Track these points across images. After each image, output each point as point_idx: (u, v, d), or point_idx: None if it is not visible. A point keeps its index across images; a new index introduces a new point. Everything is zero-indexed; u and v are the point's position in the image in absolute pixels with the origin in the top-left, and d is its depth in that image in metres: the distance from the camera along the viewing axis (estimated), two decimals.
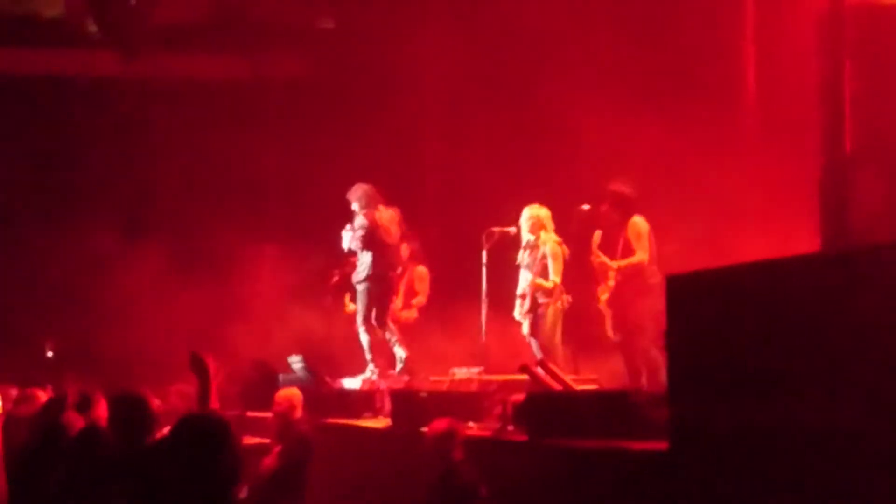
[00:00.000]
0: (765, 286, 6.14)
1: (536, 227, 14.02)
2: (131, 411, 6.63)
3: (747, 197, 13.86)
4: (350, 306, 15.94)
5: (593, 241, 13.26)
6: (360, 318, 15.17)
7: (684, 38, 14.47)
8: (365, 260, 15.04)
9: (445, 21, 19.51)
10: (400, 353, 15.02)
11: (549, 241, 13.86)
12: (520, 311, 14.07)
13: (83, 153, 21.05)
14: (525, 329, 14.04)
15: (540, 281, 13.75)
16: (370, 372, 15.08)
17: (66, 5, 23.22)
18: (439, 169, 19.64)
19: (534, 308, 13.88)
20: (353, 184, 15.37)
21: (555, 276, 13.75)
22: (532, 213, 14.07)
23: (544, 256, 13.85)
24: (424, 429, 9.81)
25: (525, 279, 14.05)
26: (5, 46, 21.96)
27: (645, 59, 15.07)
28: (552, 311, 13.79)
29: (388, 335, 15.08)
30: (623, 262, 12.98)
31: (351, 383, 15.02)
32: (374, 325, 15.10)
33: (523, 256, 14.13)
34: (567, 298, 13.80)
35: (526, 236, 14.09)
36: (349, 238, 15.10)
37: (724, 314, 6.39)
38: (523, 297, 14.04)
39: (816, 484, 5.65)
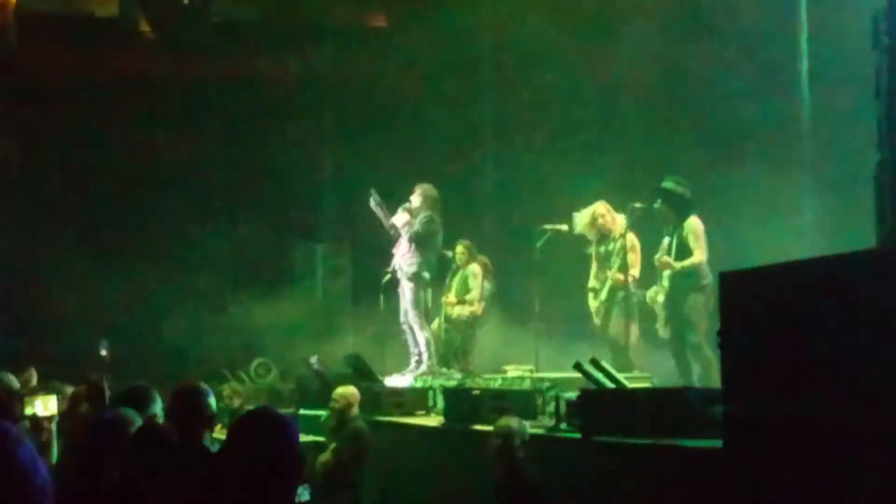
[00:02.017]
0: (820, 283, 6.11)
1: (605, 221, 14.06)
2: (191, 405, 6.67)
3: (801, 193, 13.82)
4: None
5: (663, 245, 13.19)
6: (413, 314, 15.24)
7: (738, 31, 14.41)
8: (419, 257, 15.14)
9: (496, 16, 19.53)
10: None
11: (628, 233, 13.86)
12: (594, 302, 14.11)
13: (141, 152, 21.18)
14: (598, 321, 14.08)
15: (619, 275, 13.77)
16: (426, 368, 15.14)
17: (120, 5, 23.35)
18: (493, 166, 19.65)
19: (610, 300, 13.93)
20: (407, 183, 15.44)
21: (633, 269, 13.77)
22: (604, 208, 14.10)
23: (623, 248, 13.85)
24: (482, 426, 9.82)
25: (598, 272, 14.11)
26: (59, 47, 22.10)
27: (697, 52, 15.03)
28: (629, 306, 13.80)
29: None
30: (686, 263, 12.93)
31: (399, 381, 15.07)
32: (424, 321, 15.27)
33: (597, 249, 14.17)
34: (641, 293, 13.78)
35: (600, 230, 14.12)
36: (403, 220, 15.17)
37: (778, 311, 6.36)
38: (595, 289, 14.11)
39: (873, 484, 5.62)
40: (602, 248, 14.22)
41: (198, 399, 6.68)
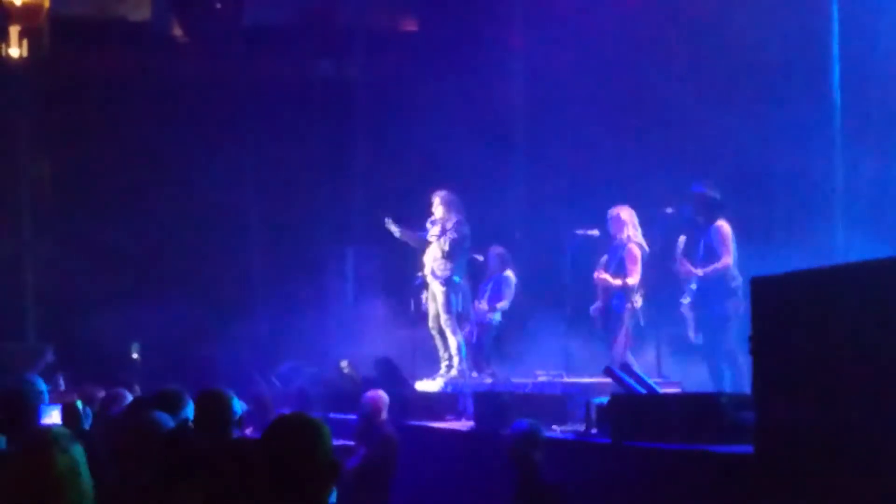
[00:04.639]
0: (853, 288, 6.08)
1: (617, 225, 14.06)
2: (216, 409, 6.68)
3: (833, 197, 13.77)
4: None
5: (678, 246, 13.16)
6: (446, 318, 15.24)
7: (770, 37, 14.37)
8: (451, 262, 15.14)
9: (527, 20, 19.54)
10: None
11: (630, 242, 13.89)
12: (594, 308, 14.17)
13: (168, 152, 21.24)
14: (598, 326, 14.12)
15: (607, 276, 13.82)
16: (457, 372, 15.14)
17: (153, 9, 23.48)
18: (524, 170, 19.64)
19: (606, 306, 13.95)
20: (438, 187, 15.44)
21: (629, 278, 13.78)
22: (612, 214, 14.11)
23: (620, 254, 13.90)
24: (506, 431, 9.82)
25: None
26: (92, 50, 22.22)
27: (729, 57, 15.00)
28: (625, 312, 13.82)
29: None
30: (708, 269, 12.88)
31: (429, 385, 15.07)
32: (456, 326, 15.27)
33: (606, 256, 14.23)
34: (638, 299, 13.81)
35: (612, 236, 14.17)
36: (437, 232, 15.18)
37: (810, 316, 6.33)
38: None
39: None
40: (608, 254, 14.23)
41: (224, 403, 6.70)
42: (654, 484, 8.45)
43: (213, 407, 6.69)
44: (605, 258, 14.10)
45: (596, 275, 14.05)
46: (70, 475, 4.47)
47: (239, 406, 6.84)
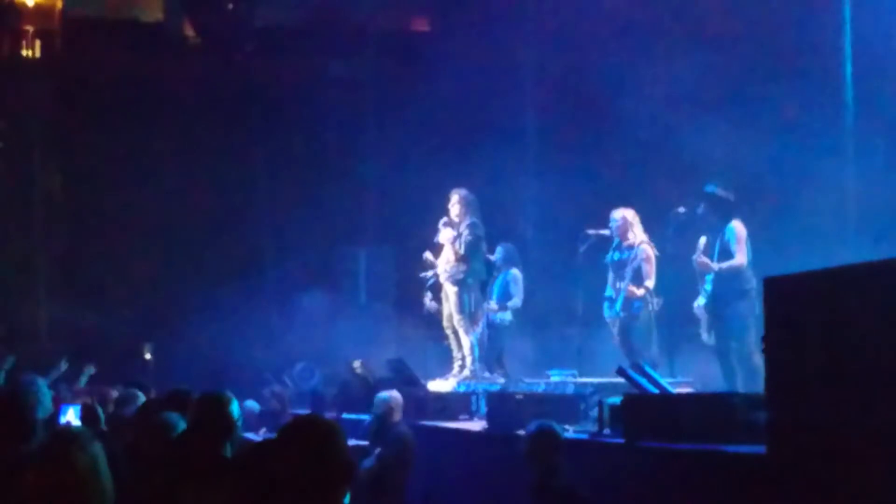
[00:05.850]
0: (865, 288, 6.07)
1: (624, 228, 14.03)
2: (210, 413, 6.60)
3: (845, 197, 13.74)
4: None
5: (698, 248, 13.08)
6: (459, 319, 15.20)
7: (781, 39, 14.35)
8: (465, 265, 15.09)
9: (539, 20, 19.54)
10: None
11: (642, 244, 13.85)
12: (609, 312, 14.09)
13: (179, 152, 21.27)
14: (616, 331, 14.04)
15: (633, 288, 13.76)
16: (469, 372, 15.12)
17: (165, 10, 23.54)
18: (536, 169, 19.63)
19: (626, 310, 13.88)
20: (451, 187, 15.39)
21: (648, 280, 13.75)
22: (619, 215, 14.08)
23: (636, 259, 13.84)
24: (521, 431, 9.81)
25: (615, 281, 14.07)
26: (104, 51, 22.26)
27: (741, 60, 14.98)
28: (645, 315, 13.78)
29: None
30: (724, 265, 12.85)
31: (442, 385, 15.05)
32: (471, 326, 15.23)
33: (612, 257, 14.16)
34: (658, 301, 13.77)
35: (615, 238, 14.13)
36: (451, 236, 15.12)
37: (823, 317, 6.33)
38: (611, 299, 14.07)
39: None
40: (616, 256, 14.18)
41: (219, 408, 6.57)
42: (666, 484, 8.45)
43: (207, 411, 6.58)
44: (628, 270, 13.96)
45: (630, 290, 13.90)
46: (90, 474, 4.50)
47: (238, 409, 6.72)
